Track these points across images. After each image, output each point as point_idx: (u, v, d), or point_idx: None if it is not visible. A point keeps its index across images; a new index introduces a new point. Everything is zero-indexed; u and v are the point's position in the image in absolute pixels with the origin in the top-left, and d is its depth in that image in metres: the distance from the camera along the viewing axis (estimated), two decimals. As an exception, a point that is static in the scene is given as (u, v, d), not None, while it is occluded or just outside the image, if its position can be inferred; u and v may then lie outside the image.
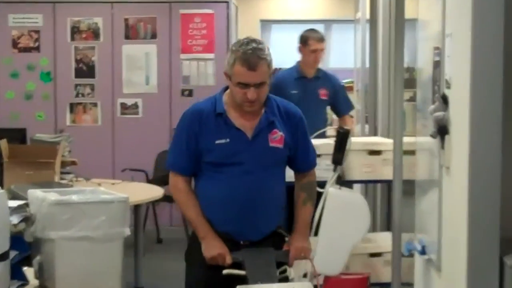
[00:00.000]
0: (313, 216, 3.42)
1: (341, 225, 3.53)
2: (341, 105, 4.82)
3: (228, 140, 2.71)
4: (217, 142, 2.70)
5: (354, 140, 3.94)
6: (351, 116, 5.21)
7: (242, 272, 2.67)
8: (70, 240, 2.53)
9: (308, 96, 4.52)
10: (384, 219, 4.83)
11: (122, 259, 2.66)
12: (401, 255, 3.38)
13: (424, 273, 3.15)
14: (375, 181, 4.35)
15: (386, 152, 3.86)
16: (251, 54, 2.60)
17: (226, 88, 2.79)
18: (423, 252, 2.99)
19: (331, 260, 3.50)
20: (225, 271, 2.67)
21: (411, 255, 3.33)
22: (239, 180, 2.73)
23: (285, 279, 2.75)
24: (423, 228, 3.14)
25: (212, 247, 2.70)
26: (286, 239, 2.88)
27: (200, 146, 2.72)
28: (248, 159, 2.74)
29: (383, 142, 4.08)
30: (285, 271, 2.78)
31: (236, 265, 2.70)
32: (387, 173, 3.73)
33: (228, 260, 2.68)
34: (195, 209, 2.75)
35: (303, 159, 2.89)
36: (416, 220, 3.33)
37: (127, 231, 2.64)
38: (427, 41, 3.13)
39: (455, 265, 2.64)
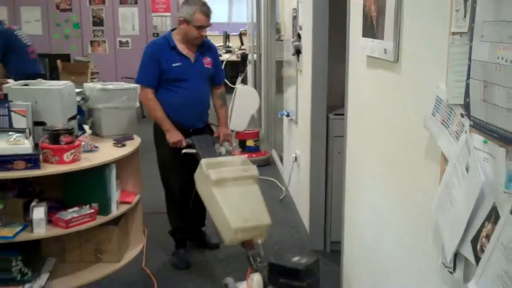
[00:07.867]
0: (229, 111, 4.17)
1: (244, 104, 4.84)
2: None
3: (180, 63, 3.09)
4: (173, 65, 3.07)
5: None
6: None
7: (193, 151, 3.06)
8: (108, 108, 3.01)
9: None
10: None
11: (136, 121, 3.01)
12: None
13: (289, 126, 4.46)
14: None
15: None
16: (207, 7, 3.04)
17: (172, 30, 3.15)
18: (288, 115, 4.36)
19: (239, 123, 4.90)
20: (183, 151, 3.07)
21: (282, 117, 4.63)
22: (187, 91, 3.10)
23: (219, 154, 3.25)
24: (288, 105, 4.43)
25: (174, 136, 3.11)
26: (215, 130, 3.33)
27: (162, 68, 3.05)
28: (192, 76, 3.11)
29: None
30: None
31: (189, 146, 3.11)
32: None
33: (184, 143, 3.09)
34: (161, 111, 3.09)
35: (218, 76, 3.32)
36: (284, 100, 4.59)
37: (137, 104, 3.06)
38: (289, 5, 4.29)
39: (304, 121, 3.54)
